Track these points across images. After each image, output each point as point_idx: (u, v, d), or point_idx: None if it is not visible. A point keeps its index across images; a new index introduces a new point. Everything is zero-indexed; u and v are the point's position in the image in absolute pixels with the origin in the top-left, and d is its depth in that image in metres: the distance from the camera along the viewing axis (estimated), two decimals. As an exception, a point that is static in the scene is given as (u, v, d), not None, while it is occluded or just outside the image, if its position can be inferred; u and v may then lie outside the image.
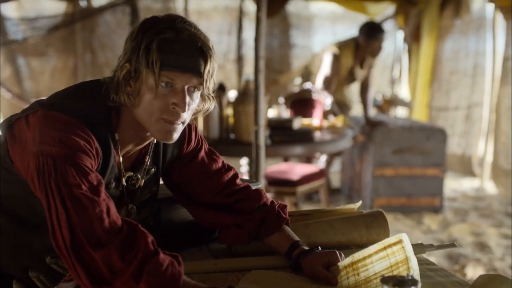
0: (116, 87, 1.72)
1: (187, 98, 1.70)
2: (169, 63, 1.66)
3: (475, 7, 8.21)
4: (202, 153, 2.02)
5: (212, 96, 1.81)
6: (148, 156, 1.91)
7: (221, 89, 4.74)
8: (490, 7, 7.74)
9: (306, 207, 6.29)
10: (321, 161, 5.87)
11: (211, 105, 1.84)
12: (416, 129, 6.44)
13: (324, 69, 6.46)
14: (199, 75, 1.70)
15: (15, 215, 1.84)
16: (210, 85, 1.75)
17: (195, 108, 1.77)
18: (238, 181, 2.04)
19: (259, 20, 3.80)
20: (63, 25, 8.50)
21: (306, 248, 1.87)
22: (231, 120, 4.77)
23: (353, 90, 7.78)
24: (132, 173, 1.89)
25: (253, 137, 3.97)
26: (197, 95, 1.74)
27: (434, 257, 4.82)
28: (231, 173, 2.04)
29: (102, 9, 8.64)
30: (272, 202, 2.02)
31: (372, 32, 6.31)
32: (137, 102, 1.72)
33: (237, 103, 4.63)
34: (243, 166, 5.26)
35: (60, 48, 8.81)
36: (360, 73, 6.52)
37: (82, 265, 1.50)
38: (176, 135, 1.76)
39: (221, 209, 1.99)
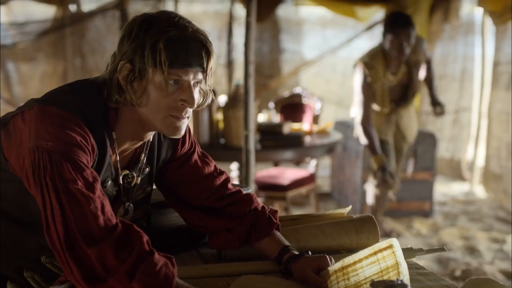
0: (118, 88, 1.73)
1: (196, 95, 1.74)
2: (178, 61, 1.69)
3: (464, 12, 8.24)
4: (195, 156, 2.03)
5: (211, 90, 1.85)
6: (143, 155, 1.92)
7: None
8: (479, 12, 7.77)
9: (296, 211, 6.29)
10: (311, 165, 5.86)
11: (209, 98, 1.86)
12: (406, 133, 6.44)
13: (357, 96, 5.22)
14: (204, 70, 1.74)
15: (9, 214, 1.83)
16: (211, 79, 1.79)
17: (198, 102, 1.79)
18: (229, 185, 2.05)
19: (248, 25, 3.80)
20: (53, 30, 8.47)
21: (296, 252, 1.87)
22: (221, 125, 4.77)
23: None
24: (128, 172, 1.90)
25: (243, 142, 3.97)
26: (198, 89, 1.77)
27: (424, 261, 4.83)
28: (223, 177, 2.05)
29: (92, 14, 8.61)
30: (263, 207, 2.02)
31: (391, 28, 5.09)
32: (144, 101, 1.73)
33: (227, 108, 4.63)
34: (233, 171, 5.26)
35: (50, 53, 8.77)
36: (392, 80, 5.24)
37: (75, 261, 1.50)
38: (183, 130, 1.79)
39: (212, 212, 2.00)
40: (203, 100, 1.83)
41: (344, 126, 6.95)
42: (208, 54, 1.73)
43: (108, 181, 1.83)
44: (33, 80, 8.71)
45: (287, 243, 1.93)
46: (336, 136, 5.59)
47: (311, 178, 5.73)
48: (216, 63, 1.83)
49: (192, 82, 1.73)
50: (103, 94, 1.75)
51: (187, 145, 2.02)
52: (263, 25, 9.17)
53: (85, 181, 1.59)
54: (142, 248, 1.52)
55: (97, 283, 1.49)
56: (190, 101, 1.73)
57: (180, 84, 1.72)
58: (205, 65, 1.73)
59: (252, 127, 3.95)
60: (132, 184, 1.92)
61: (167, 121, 1.75)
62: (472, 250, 5.47)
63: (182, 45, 1.69)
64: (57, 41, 8.72)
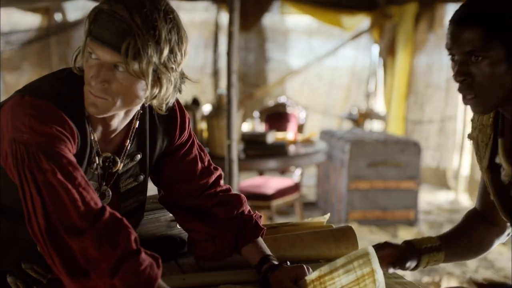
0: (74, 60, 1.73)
1: (102, 73, 1.63)
2: (93, 33, 1.63)
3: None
4: (196, 148, 2.00)
5: (173, 84, 1.74)
6: (128, 140, 1.87)
7: (194, 104, 4.74)
8: (463, 21, 7.82)
9: (281, 220, 6.28)
10: (296, 174, 5.87)
11: (168, 93, 1.74)
12: (391, 142, 6.47)
13: None
14: (118, 51, 1.60)
15: (3, 207, 1.80)
16: (142, 66, 1.62)
17: (123, 90, 1.66)
18: (221, 182, 2.04)
19: (231, 35, 3.81)
20: (38, 39, 8.45)
21: (276, 262, 1.87)
22: (205, 134, 4.77)
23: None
24: (110, 154, 1.85)
25: (226, 152, 3.97)
26: (123, 75, 1.64)
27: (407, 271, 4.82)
28: (217, 173, 2.03)
29: (77, 23, 8.60)
30: (249, 211, 2.01)
31: None
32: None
33: (211, 117, 4.64)
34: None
35: (35, 62, 8.75)
36: None
37: (57, 252, 1.49)
38: (98, 111, 1.69)
39: (202, 214, 1.97)
40: (154, 92, 1.71)
41: (329, 135, 6.96)
42: (130, 35, 1.59)
43: (93, 163, 1.80)
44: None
45: (268, 252, 1.92)
46: (321, 145, 5.60)
47: (295, 187, 5.74)
48: (164, 54, 1.64)
49: (108, 62, 1.63)
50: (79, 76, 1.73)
51: (186, 134, 1.97)
52: (249, 34, 9.20)
53: (64, 171, 1.57)
54: (129, 246, 1.51)
55: (79, 276, 1.48)
56: (93, 78, 1.63)
57: (99, 60, 1.64)
58: (121, 46, 1.59)
59: (235, 136, 3.96)
60: (115, 170, 1.87)
61: (86, 94, 1.69)
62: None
63: (103, 18, 1.61)
64: (42, 50, 8.70)
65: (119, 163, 1.87)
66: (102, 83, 1.64)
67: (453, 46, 1.74)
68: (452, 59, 1.76)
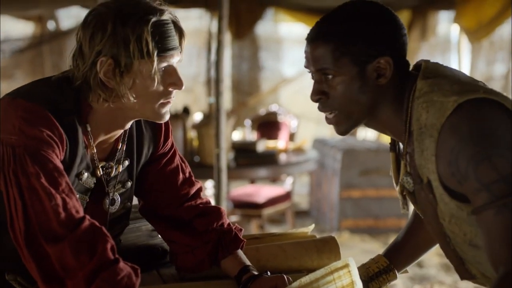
0: (101, 85, 1.67)
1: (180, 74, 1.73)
2: (165, 47, 1.66)
3: (441, 29, 8.31)
4: (177, 158, 2.00)
5: None
6: (120, 144, 1.86)
7: (185, 112, 4.74)
8: (455, 29, 7.84)
9: (273, 229, 6.28)
10: (287, 183, 5.87)
11: None
12: (383, 150, 6.47)
13: None
14: (181, 49, 1.72)
15: None
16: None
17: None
18: (201, 194, 2.03)
19: (220, 43, 3.82)
20: (31, 47, 8.45)
21: (256, 273, 1.86)
22: (195, 143, 4.77)
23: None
24: (105, 162, 1.84)
25: (215, 160, 3.97)
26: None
27: (399, 279, 4.81)
28: (198, 185, 2.03)
29: (70, 32, 8.60)
30: (229, 224, 2.01)
31: None
32: (133, 94, 1.68)
33: (201, 126, 4.64)
34: (208, 189, 5.25)
35: (28, 70, 8.74)
36: None
37: (34, 259, 1.49)
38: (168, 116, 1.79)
39: (181, 225, 1.96)
40: None
41: (322, 143, 6.97)
42: (182, 32, 1.72)
43: (83, 173, 1.77)
44: (12, 98, 8.67)
45: (248, 262, 1.92)
46: (312, 153, 5.61)
47: (287, 196, 5.73)
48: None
49: (175, 63, 1.71)
50: (74, 87, 1.70)
51: (169, 142, 1.97)
52: (242, 43, 9.20)
53: (49, 176, 1.56)
54: (106, 255, 1.50)
55: (55, 284, 1.48)
56: (179, 83, 1.71)
57: (165, 68, 1.70)
58: (183, 44, 1.72)
59: (223, 145, 3.95)
60: (112, 175, 1.86)
61: (159, 109, 1.72)
62: (447, 267, 5.47)
63: (164, 30, 1.66)
64: (35, 58, 8.70)
65: (113, 168, 1.86)
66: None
67: (308, 64, 1.72)
68: (312, 78, 1.74)
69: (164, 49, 1.66)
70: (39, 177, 1.55)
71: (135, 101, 1.69)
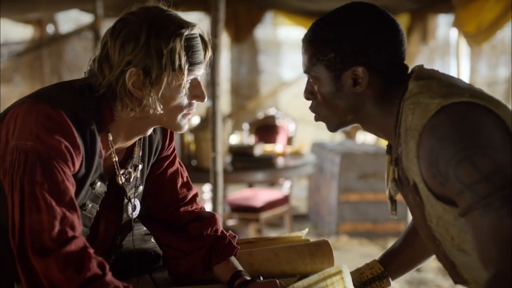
0: (130, 95, 1.67)
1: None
2: (195, 61, 1.68)
3: (441, 33, 8.31)
4: (178, 161, 2.00)
5: None
6: (137, 149, 1.86)
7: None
8: (454, 33, 7.84)
9: (271, 233, 6.27)
10: (285, 187, 5.86)
11: None
12: (381, 154, 6.46)
13: None
14: (207, 63, 1.75)
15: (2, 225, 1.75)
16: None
17: None
18: (197, 199, 2.04)
19: (215, 47, 3.80)
20: (30, 51, 8.45)
21: (248, 278, 1.86)
22: (192, 147, 4.76)
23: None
24: (124, 169, 1.84)
25: (211, 164, 3.96)
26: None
27: (394, 282, 4.80)
28: (195, 190, 2.03)
29: (70, 35, 8.61)
30: (222, 231, 2.01)
31: None
32: (160, 105, 1.68)
33: (198, 130, 4.63)
34: (205, 192, 5.24)
35: (27, 74, 8.75)
36: None
37: (23, 270, 1.48)
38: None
39: (177, 230, 1.96)
40: None
41: (320, 147, 6.96)
42: (207, 45, 1.72)
43: (97, 182, 1.76)
44: (11, 101, 8.63)
45: (240, 268, 1.91)
46: (310, 157, 5.60)
47: (285, 200, 5.72)
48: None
49: (199, 76, 1.73)
50: (98, 94, 1.69)
51: (173, 145, 1.98)
52: (241, 46, 9.21)
53: (54, 188, 1.54)
54: (93, 270, 1.49)
55: None
56: (202, 96, 1.73)
57: (192, 81, 1.71)
58: (207, 57, 1.73)
59: (220, 149, 3.95)
60: (131, 180, 1.86)
61: (181, 120, 1.74)
62: (445, 272, 5.45)
63: (194, 44, 1.67)
64: (34, 62, 8.70)
65: (131, 173, 1.86)
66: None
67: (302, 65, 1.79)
68: None
69: (193, 63, 1.68)
70: (44, 187, 1.53)
71: (162, 112, 1.69)
